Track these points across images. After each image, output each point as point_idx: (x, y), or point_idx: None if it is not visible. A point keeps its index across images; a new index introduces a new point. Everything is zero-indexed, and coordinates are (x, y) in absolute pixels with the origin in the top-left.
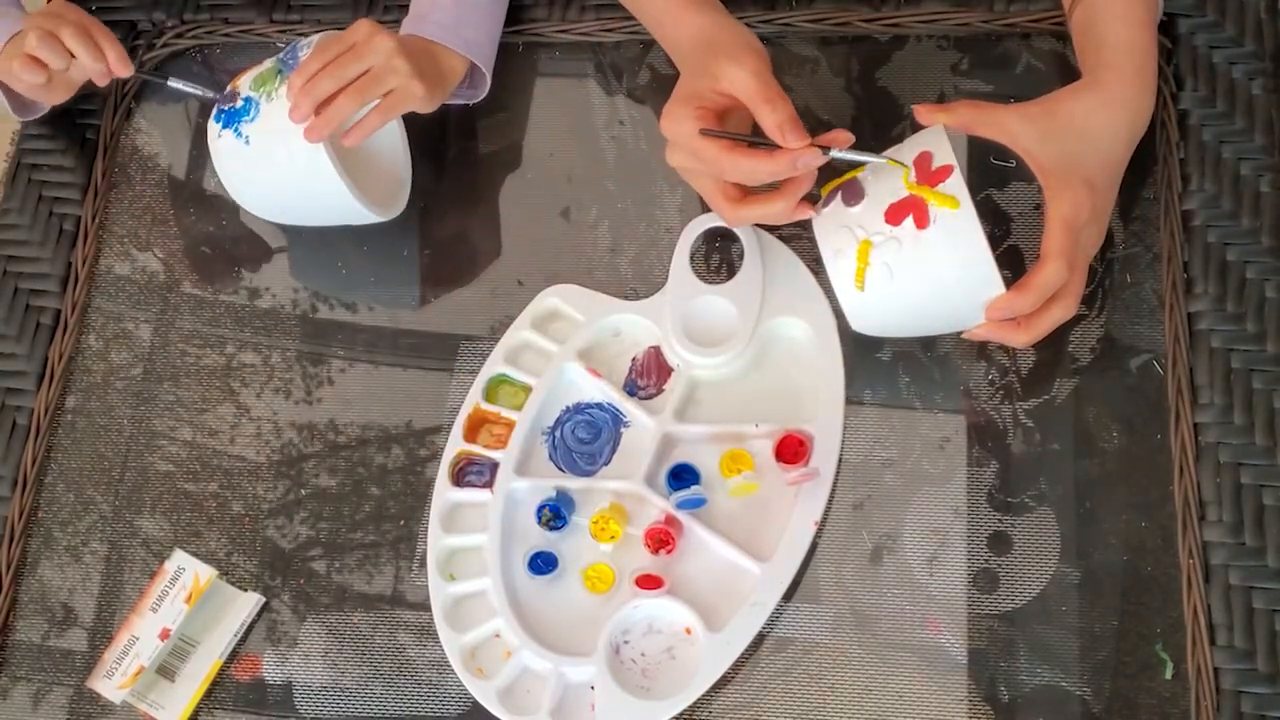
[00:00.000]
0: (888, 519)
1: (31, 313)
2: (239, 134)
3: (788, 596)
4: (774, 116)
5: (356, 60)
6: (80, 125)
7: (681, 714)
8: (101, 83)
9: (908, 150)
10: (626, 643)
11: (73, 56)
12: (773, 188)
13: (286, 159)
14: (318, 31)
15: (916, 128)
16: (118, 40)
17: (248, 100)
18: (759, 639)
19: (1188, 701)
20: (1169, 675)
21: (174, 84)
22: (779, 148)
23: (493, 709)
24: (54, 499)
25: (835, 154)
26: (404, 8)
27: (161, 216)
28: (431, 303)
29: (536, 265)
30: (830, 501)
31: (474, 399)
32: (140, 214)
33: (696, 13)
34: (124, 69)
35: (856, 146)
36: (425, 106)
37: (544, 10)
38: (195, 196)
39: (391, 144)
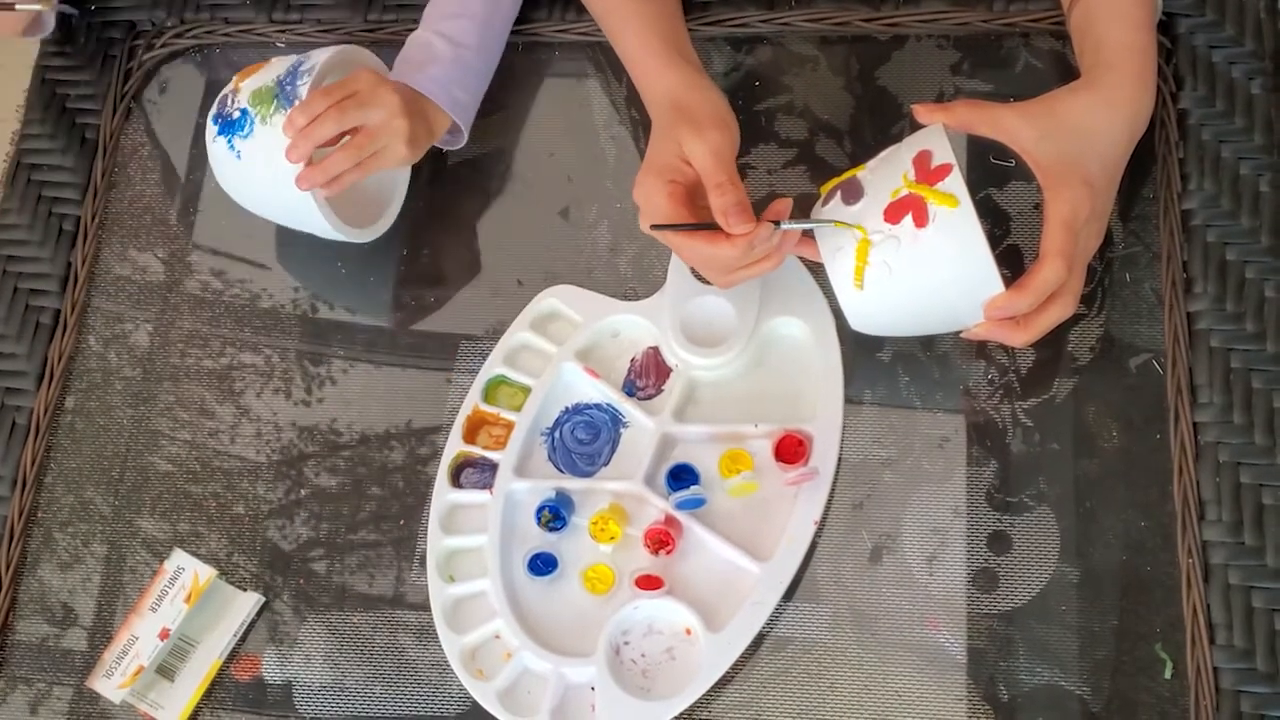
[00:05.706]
0: (887, 518)
1: (31, 312)
2: (231, 146)
3: (787, 596)
4: (719, 202)
5: (359, 108)
6: (80, 125)
7: (682, 714)
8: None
9: (906, 149)
10: (626, 643)
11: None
12: None
13: (271, 183)
14: (318, 32)
15: (916, 127)
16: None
17: (244, 113)
18: (759, 639)
19: (1187, 701)
20: (1168, 674)
21: None
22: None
23: (493, 710)
24: (54, 499)
25: (785, 226)
26: (401, 8)
27: (161, 216)
28: (431, 303)
29: (535, 265)
30: (830, 501)
31: (473, 400)
32: (140, 214)
33: (666, 68)
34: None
35: (854, 148)
36: (403, 165)
37: (544, 10)
38: (195, 196)
39: (391, 172)
